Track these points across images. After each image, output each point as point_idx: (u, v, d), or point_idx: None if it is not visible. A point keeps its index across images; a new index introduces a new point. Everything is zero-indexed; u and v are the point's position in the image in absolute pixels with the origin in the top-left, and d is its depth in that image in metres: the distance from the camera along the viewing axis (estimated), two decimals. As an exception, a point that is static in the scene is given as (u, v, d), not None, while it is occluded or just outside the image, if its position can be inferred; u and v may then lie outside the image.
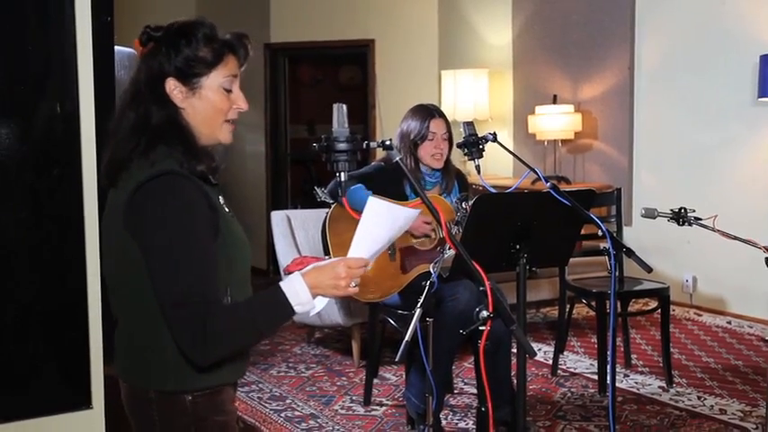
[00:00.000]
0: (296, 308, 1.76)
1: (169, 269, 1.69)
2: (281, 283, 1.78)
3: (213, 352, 1.72)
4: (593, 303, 4.29)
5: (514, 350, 3.62)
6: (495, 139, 3.20)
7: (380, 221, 1.84)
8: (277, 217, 5.22)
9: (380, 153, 5.81)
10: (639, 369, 4.62)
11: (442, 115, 3.80)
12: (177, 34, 1.80)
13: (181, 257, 1.69)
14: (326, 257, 3.58)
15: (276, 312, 1.76)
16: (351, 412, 4.05)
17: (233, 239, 1.81)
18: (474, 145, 3.23)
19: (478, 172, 3.21)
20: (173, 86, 1.80)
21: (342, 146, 1.92)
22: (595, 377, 4.34)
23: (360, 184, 3.57)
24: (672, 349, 4.51)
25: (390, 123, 7.42)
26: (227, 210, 1.85)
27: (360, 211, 1.86)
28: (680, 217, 3.07)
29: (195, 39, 1.79)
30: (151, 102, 1.79)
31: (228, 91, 1.84)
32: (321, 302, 1.82)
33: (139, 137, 1.77)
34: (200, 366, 1.76)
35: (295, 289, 1.76)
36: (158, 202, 1.70)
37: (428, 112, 3.77)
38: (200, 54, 1.79)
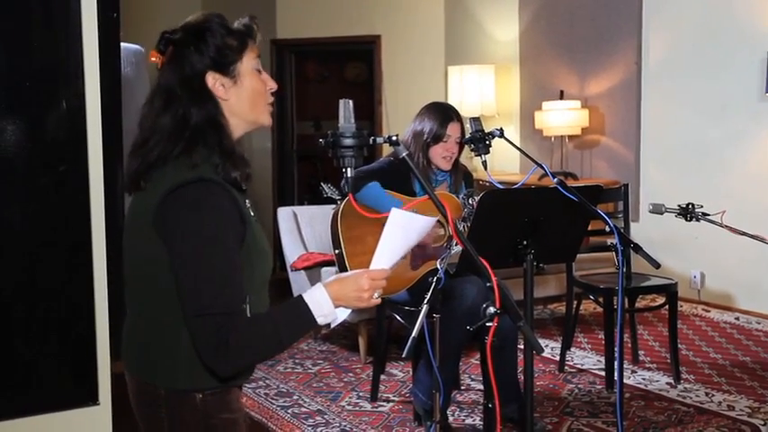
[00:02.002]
0: (318, 319, 1.76)
1: (195, 279, 1.68)
2: (304, 295, 1.77)
3: (235, 363, 1.72)
4: (601, 299, 4.28)
5: (521, 346, 3.61)
6: (501, 135, 3.19)
7: (403, 233, 1.84)
8: (283, 213, 5.22)
9: (388, 149, 5.80)
10: (647, 365, 4.61)
11: (459, 119, 3.77)
12: (199, 30, 1.80)
13: (207, 268, 1.68)
14: (336, 251, 3.58)
15: (299, 324, 1.76)
16: (358, 408, 4.05)
17: (256, 250, 1.80)
18: (481, 141, 3.22)
19: (485, 168, 3.20)
20: (213, 81, 1.79)
21: (348, 141, 1.92)
22: (603, 373, 4.33)
23: (375, 182, 3.55)
24: (679, 345, 4.50)
25: (397, 119, 7.42)
26: (252, 214, 1.85)
27: (369, 207, 1.85)
28: (688, 212, 3.06)
29: (217, 29, 1.80)
30: (189, 103, 1.78)
31: (260, 72, 1.85)
32: (343, 313, 1.81)
33: (177, 140, 1.75)
34: (222, 377, 1.75)
35: (318, 301, 1.75)
36: (190, 209, 1.69)
37: (447, 115, 3.74)
38: (228, 41, 1.80)
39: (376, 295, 1.80)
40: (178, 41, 1.80)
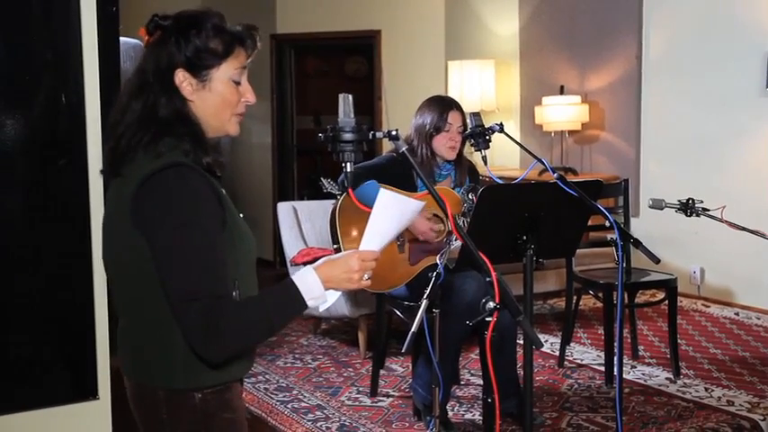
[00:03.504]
0: (309, 302, 1.73)
1: (178, 265, 1.65)
2: (294, 277, 1.74)
3: (225, 349, 1.68)
4: (601, 294, 4.28)
5: (521, 341, 3.61)
6: (501, 130, 3.19)
7: (391, 213, 1.83)
8: (283, 208, 5.22)
9: (388, 144, 5.80)
10: (647, 360, 4.61)
11: (459, 108, 3.78)
12: (187, 24, 1.75)
13: (190, 253, 1.64)
14: (334, 246, 3.58)
15: (289, 307, 1.73)
16: (357, 403, 4.05)
17: (239, 232, 1.77)
18: (481, 136, 3.22)
19: (485, 163, 3.21)
20: (182, 78, 1.75)
21: (347, 136, 1.91)
22: (602, 368, 4.33)
23: (373, 181, 3.55)
24: (679, 340, 4.50)
25: (396, 114, 7.41)
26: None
27: (368, 205, 1.85)
28: (687, 208, 3.06)
29: (205, 29, 1.75)
30: (159, 93, 1.74)
31: (237, 83, 1.79)
32: (333, 296, 1.79)
33: (146, 129, 1.72)
34: (212, 363, 1.72)
35: (308, 283, 1.73)
36: (166, 195, 1.65)
37: (446, 104, 3.76)
38: (211, 45, 1.75)
39: (366, 277, 1.78)
40: (165, 28, 1.76)
